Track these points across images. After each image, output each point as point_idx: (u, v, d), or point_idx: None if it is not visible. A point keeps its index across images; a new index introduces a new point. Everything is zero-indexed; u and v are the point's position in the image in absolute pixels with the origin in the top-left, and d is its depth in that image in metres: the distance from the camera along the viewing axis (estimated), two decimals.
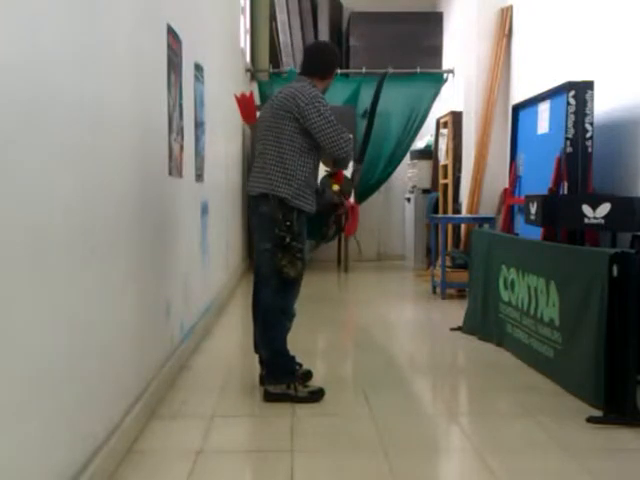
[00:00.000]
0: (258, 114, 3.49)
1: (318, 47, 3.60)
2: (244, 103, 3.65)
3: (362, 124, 8.29)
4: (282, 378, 3.17)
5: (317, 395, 3.17)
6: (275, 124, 3.17)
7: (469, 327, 4.67)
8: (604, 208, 3.84)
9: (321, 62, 3.32)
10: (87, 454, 2.10)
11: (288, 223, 3.07)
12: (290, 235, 3.07)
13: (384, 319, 5.48)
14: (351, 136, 3.44)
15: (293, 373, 3.23)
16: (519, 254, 4.06)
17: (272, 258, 3.10)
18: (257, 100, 8.66)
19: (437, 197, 8.06)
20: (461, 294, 6.19)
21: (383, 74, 3.72)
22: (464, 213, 6.95)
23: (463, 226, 6.91)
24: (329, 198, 3.45)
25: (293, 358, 3.29)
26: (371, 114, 3.64)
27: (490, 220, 6.11)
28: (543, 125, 5.06)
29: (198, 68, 4.45)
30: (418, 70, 8.63)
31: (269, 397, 3.15)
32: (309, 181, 3.20)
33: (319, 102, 3.12)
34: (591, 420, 2.83)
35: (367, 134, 3.64)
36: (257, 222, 3.24)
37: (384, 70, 3.93)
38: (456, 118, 7.51)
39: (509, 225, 5.72)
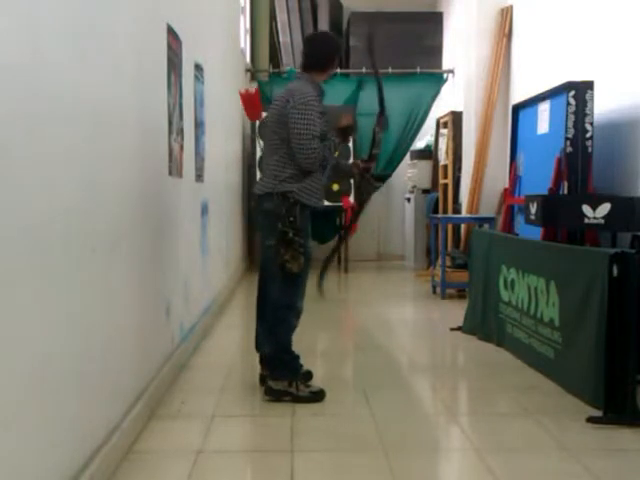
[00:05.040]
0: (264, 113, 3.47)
1: (315, 39, 3.57)
2: (248, 100, 3.62)
3: (362, 124, 8.33)
4: (285, 375, 3.17)
5: (319, 395, 3.17)
6: (278, 127, 3.20)
7: (469, 327, 4.66)
8: (604, 208, 3.84)
9: (319, 54, 3.32)
10: (87, 454, 2.10)
11: (292, 218, 3.09)
12: (293, 230, 3.08)
13: (384, 319, 5.48)
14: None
15: (296, 371, 3.22)
16: (519, 254, 4.06)
17: (276, 254, 3.11)
18: None
19: (437, 197, 8.05)
20: (461, 294, 6.18)
21: (378, 79, 3.45)
22: (464, 213, 6.94)
23: (463, 226, 6.90)
24: (347, 168, 3.76)
25: (297, 357, 3.29)
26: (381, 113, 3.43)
27: (490, 220, 6.10)
28: (543, 125, 5.06)
29: (198, 68, 4.45)
30: (418, 70, 8.62)
31: (270, 393, 3.15)
32: (315, 177, 3.23)
33: (309, 106, 3.11)
34: (591, 420, 2.82)
35: (375, 138, 3.44)
36: (262, 219, 3.27)
37: (380, 72, 3.58)
38: (456, 118, 7.51)
39: (509, 225, 5.72)
